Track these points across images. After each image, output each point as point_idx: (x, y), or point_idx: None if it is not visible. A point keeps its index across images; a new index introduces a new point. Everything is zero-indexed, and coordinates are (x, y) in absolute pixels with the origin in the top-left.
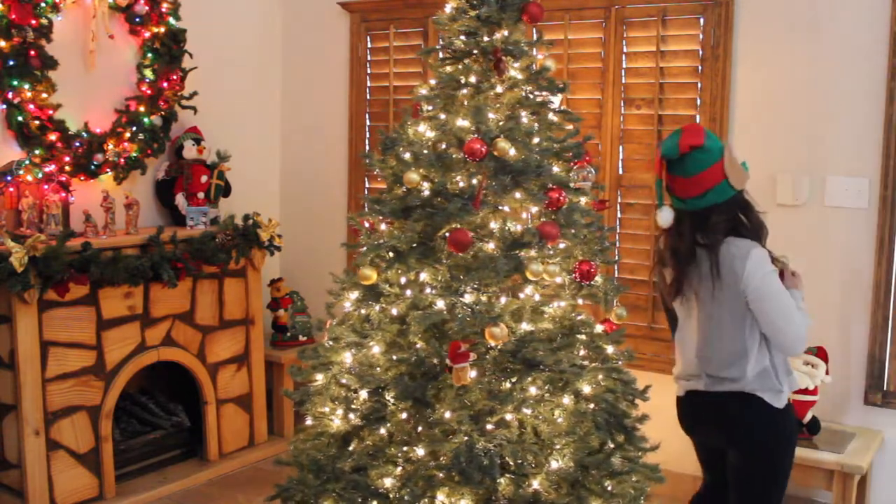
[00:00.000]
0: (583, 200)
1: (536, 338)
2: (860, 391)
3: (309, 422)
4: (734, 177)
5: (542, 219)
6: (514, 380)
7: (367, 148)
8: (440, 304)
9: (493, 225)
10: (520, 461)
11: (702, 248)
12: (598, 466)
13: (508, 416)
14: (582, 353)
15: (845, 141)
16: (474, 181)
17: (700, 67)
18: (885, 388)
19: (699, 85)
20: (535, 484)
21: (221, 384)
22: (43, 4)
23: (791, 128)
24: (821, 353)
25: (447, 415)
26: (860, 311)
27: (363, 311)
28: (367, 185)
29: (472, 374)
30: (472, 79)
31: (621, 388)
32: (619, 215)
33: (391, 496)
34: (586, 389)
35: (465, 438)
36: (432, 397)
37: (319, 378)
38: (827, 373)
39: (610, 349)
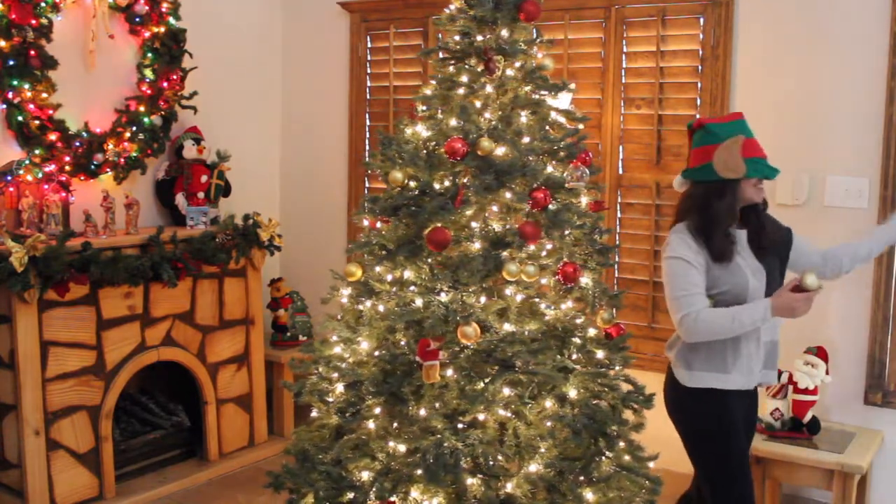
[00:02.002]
0: (584, 201)
1: (518, 339)
2: (860, 391)
3: (315, 413)
4: (719, 161)
5: (526, 219)
6: (487, 380)
7: (368, 147)
8: (418, 301)
9: (474, 224)
10: (491, 462)
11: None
12: (574, 473)
13: (481, 416)
14: (574, 356)
15: (845, 141)
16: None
17: (700, 67)
18: (885, 388)
19: (699, 85)
20: (509, 487)
21: (221, 384)
22: (43, 4)
23: (791, 128)
24: (821, 353)
25: (422, 412)
26: (860, 311)
27: (358, 308)
28: (367, 185)
29: (449, 372)
30: (464, 78)
31: (621, 394)
32: (619, 215)
33: (364, 489)
34: (572, 394)
35: (437, 437)
36: (412, 394)
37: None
38: (827, 373)
39: (600, 353)
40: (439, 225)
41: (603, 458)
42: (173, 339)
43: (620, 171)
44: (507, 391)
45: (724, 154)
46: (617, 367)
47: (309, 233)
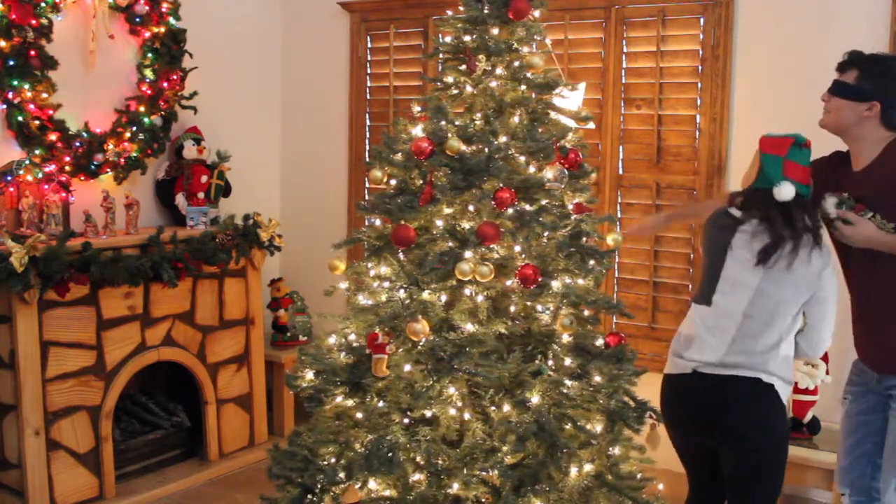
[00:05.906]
0: (576, 201)
1: (477, 339)
2: None
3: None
4: None
5: (487, 218)
6: (434, 378)
7: (368, 147)
8: (383, 297)
9: (439, 223)
10: (434, 460)
11: (805, 232)
12: (513, 480)
13: (428, 413)
14: (550, 362)
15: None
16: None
17: (700, 67)
18: None
19: (699, 85)
20: (456, 486)
21: (221, 384)
22: (43, 4)
23: (791, 128)
24: None
25: (380, 404)
26: None
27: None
28: (367, 185)
29: (407, 367)
30: (449, 79)
31: (611, 406)
32: (619, 215)
33: (326, 473)
34: (535, 400)
35: (384, 429)
36: (382, 387)
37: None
38: (827, 373)
39: (568, 361)
40: (402, 223)
41: (553, 468)
42: (173, 339)
43: (620, 171)
44: (452, 390)
45: None
46: (597, 378)
47: (309, 233)
